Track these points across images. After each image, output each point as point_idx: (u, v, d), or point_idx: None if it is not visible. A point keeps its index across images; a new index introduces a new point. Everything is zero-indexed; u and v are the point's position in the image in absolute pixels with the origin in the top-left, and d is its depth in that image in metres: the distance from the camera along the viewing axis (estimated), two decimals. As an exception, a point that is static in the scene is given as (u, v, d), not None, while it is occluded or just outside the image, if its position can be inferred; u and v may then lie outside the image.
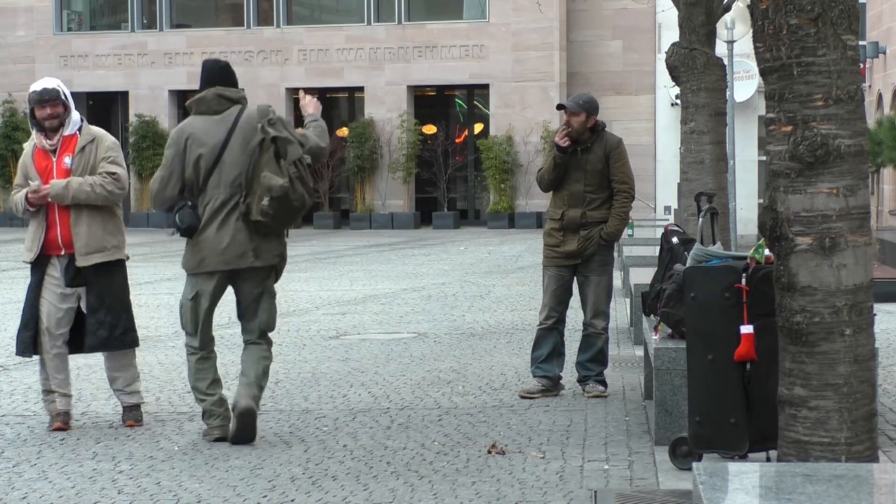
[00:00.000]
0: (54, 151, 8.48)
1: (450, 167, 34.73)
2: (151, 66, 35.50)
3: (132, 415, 8.51)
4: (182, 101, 37.19)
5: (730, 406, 6.74)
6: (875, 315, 5.82)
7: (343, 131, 36.34)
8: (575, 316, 10.57)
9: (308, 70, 35.11)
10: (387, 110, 34.89)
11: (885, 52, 28.57)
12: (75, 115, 8.52)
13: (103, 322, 8.43)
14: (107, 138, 8.61)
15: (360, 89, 35.87)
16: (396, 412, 8.84)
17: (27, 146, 8.62)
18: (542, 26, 34.15)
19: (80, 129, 8.53)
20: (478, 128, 36.13)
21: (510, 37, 34.52)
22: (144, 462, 7.43)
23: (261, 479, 6.98)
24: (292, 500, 6.56)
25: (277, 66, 35.51)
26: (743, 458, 6.78)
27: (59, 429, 8.31)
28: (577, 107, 9.36)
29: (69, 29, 37.78)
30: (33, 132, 8.54)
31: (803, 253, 5.64)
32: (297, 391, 9.60)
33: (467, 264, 22.02)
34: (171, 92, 36.01)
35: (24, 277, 21.51)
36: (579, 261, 9.42)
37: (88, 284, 8.47)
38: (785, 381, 5.75)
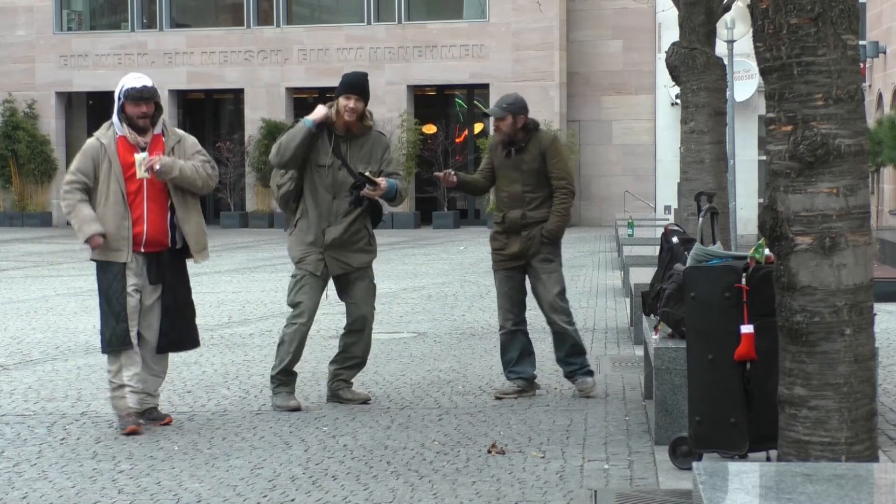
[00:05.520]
0: (143, 149, 8.38)
1: (450, 167, 34.72)
2: (151, 66, 35.47)
3: (158, 413, 8.54)
4: (182, 101, 37.25)
5: (730, 406, 6.74)
6: (875, 315, 5.82)
7: (343, 131, 36.32)
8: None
9: (308, 70, 35.13)
10: (387, 110, 34.89)
11: (885, 52, 28.58)
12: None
13: (175, 323, 8.49)
14: (189, 137, 8.66)
15: (361, 89, 35.83)
16: (396, 412, 8.84)
17: (101, 139, 8.39)
18: (542, 26, 34.16)
19: (163, 130, 8.51)
20: (478, 127, 36.15)
21: (510, 36, 34.52)
22: (144, 462, 7.43)
23: (261, 479, 6.98)
24: (292, 500, 6.56)
25: (277, 65, 35.52)
26: (743, 457, 6.78)
27: (133, 432, 8.15)
28: (500, 111, 9.30)
29: (69, 28, 37.78)
30: (117, 125, 8.39)
31: (803, 253, 5.64)
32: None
33: (467, 264, 22.02)
34: (171, 92, 36.01)
35: (24, 277, 21.54)
36: (524, 261, 9.38)
37: (166, 283, 8.45)
38: (785, 380, 5.75)
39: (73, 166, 8.45)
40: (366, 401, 9.14)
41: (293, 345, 8.97)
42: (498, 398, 9.26)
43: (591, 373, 9.44)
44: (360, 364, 9.26)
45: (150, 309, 8.41)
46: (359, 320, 9.15)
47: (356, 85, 9.02)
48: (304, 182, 9.00)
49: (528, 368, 9.42)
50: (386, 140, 9.25)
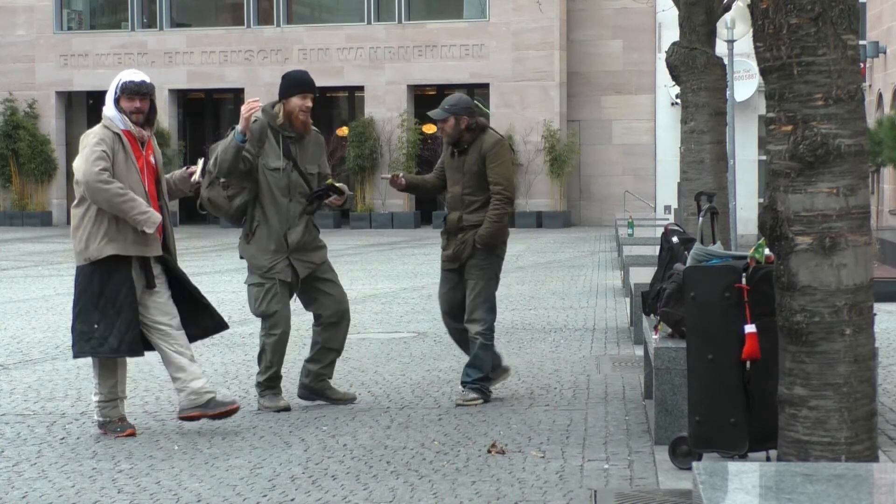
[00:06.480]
0: (143, 145, 8.23)
1: (450, 167, 34.76)
2: (151, 66, 35.49)
3: (219, 401, 8.27)
4: (182, 101, 37.25)
5: (730, 406, 6.74)
6: (875, 315, 5.82)
7: (343, 131, 36.38)
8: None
9: (308, 69, 35.01)
10: (387, 109, 34.90)
11: (885, 52, 28.58)
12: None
13: (208, 306, 8.45)
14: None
15: (360, 89, 35.89)
16: (396, 411, 8.84)
17: (111, 128, 8.11)
18: (542, 26, 34.16)
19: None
20: (478, 127, 36.08)
21: (510, 36, 34.53)
22: (144, 461, 7.43)
23: (261, 479, 6.98)
24: (292, 500, 6.56)
25: (277, 65, 35.51)
26: (743, 457, 6.78)
27: (131, 435, 8.06)
28: (442, 113, 9.23)
29: (69, 28, 37.79)
30: (118, 119, 8.13)
31: (803, 252, 5.64)
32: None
33: (467, 264, 21.99)
34: (172, 91, 36.01)
35: (24, 277, 21.50)
36: (458, 264, 9.25)
37: (173, 279, 8.31)
38: (785, 380, 5.75)
39: (98, 150, 8.01)
40: (352, 399, 9.14)
41: (276, 354, 8.94)
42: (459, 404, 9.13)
43: (478, 391, 9.10)
44: (337, 357, 9.22)
45: (158, 308, 8.17)
46: (336, 314, 9.08)
47: (311, 84, 9.01)
48: (259, 187, 8.85)
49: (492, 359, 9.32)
50: (322, 139, 9.25)
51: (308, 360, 9.16)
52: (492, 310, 9.27)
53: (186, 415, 8.18)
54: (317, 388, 9.10)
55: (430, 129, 35.34)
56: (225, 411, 8.14)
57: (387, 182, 9.70)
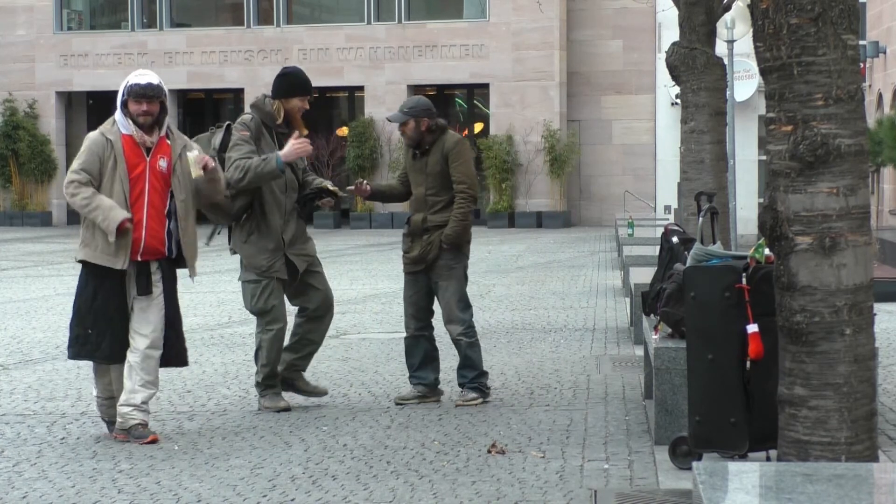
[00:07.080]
0: (149, 150, 8.04)
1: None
2: (151, 66, 35.46)
3: (142, 431, 8.05)
4: (182, 101, 37.25)
5: (730, 406, 6.74)
6: (875, 315, 5.82)
7: (343, 131, 36.38)
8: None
9: (308, 69, 34.71)
10: (387, 110, 34.82)
11: (885, 52, 28.58)
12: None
13: (179, 335, 8.22)
14: (194, 143, 8.38)
15: (360, 89, 35.89)
16: (396, 411, 8.84)
17: (106, 135, 8.02)
18: (542, 26, 34.15)
19: (168, 132, 8.14)
20: (478, 127, 36.15)
21: (510, 36, 34.52)
22: (144, 461, 7.43)
23: (261, 479, 6.98)
24: (292, 500, 6.56)
25: (277, 65, 35.41)
26: (743, 457, 6.78)
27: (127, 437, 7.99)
28: (401, 116, 9.21)
29: (69, 28, 37.78)
30: (122, 122, 8.04)
31: (803, 252, 5.64)
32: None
33: (467, 264, 21.98)
34: (171, 91, 35.92)
35: (24, 277, 21.50)
36: (423, 266, 9.24)
37: (165, 294, 8.10)
38: (785, 380, 5.75)
39: (77, 163, 8.01)
40: (324, 393, 9.18)
41: (273, 350, 8.93)
42: (398, 403, 9.11)
43: (478, 389, 9.15)
44: (316, 350, 9.24)
45: (141, 317, 8.05)
46: (323, 305, 9.09)
47: (310, 85, 9.08)
48: (260, 187, 8.83)
49: (429, 375, 9.25)
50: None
51: (285, 349, 9.12)
52: (467, 307, 9.32)
53: (115, 433, 8.06)
54: (289, 377, 9.06)
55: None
56: (144, 442, 7.91)
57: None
